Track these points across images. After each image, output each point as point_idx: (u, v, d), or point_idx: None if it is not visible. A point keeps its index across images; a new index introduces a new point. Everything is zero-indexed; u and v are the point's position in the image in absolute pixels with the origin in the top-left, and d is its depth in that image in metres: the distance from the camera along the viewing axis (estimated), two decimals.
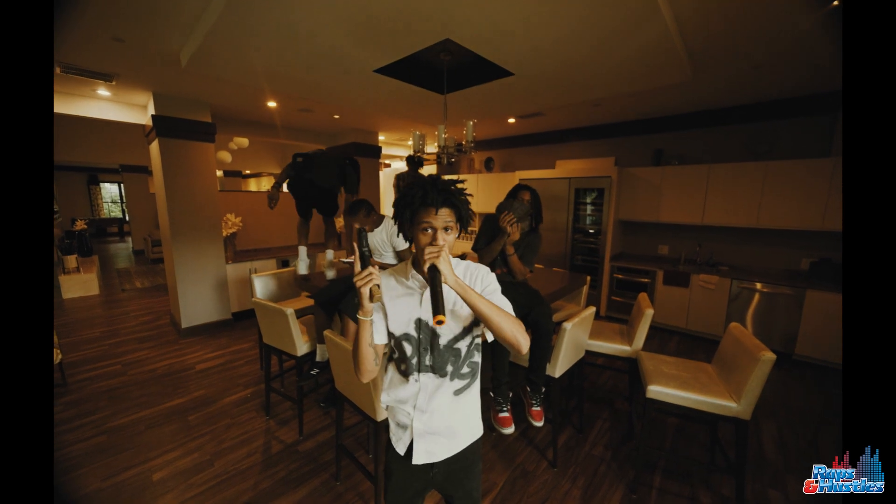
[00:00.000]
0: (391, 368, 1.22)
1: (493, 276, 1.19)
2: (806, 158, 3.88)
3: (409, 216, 1.07)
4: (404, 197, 1.08)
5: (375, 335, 1.14)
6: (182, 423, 2.83)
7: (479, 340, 1.20)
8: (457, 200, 1.06)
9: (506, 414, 2.25)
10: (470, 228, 7.10)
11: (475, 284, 1.15)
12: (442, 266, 0.99)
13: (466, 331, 1.14)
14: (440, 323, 0.95)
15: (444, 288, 1.01)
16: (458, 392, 1.16)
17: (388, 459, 1.25)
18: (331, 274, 3.26)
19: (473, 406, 1.22)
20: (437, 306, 0.97)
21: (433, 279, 0.99)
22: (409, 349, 1.14)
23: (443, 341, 1.12)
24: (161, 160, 4.08)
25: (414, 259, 1.16)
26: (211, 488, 2.19)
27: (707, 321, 4.41)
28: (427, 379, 1.14)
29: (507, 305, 1.13)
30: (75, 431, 2.70)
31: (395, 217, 1.11)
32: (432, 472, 1.19)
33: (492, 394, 2.33)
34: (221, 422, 2.84)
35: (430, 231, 1.05)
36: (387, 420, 1.28)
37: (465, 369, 1.16)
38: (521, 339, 1.05)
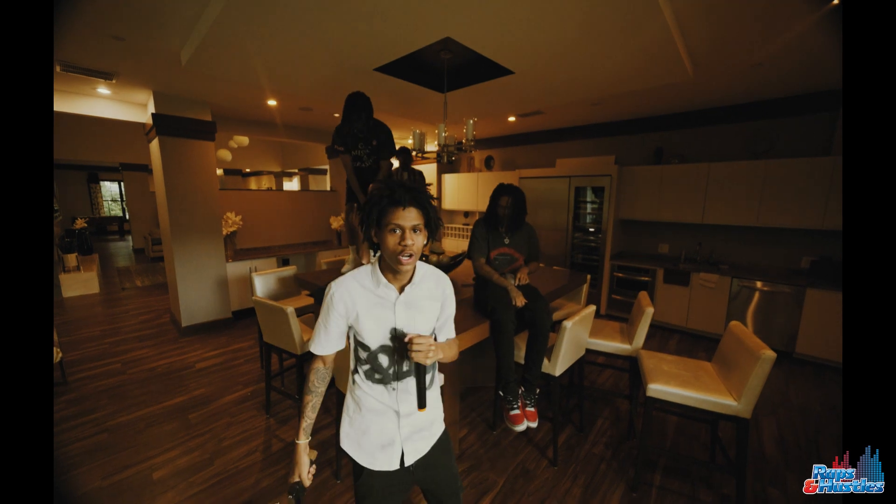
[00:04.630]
0: (363, 386, 1.16)
1: (453, 295, 1.24)
2: (806, 157, 3.87)
3: (377, 217, 1.05)
4: (371, 198, 1.06)
5: (331, 347, 1.16)
6: (182, 421, 2.83)
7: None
8: (424, 201, 1.05)
9: (517, 412, 2.25)
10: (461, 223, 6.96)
11: (445, 302, 1.22)
12: (429, 363, 1.06)
13: (430, 332, 1.20)
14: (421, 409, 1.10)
15: (418, 305, 1.14)
16: (429, 385, 1.17)
17: (363, 484, 1.17)
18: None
19: (438, 390, 1.27)
20: (422, 400, 1.09)
21: (419, 374, 1.08)
22: (385, 361, 1.12)
23: None
24: (161, 158, 4.07)
25: (381, 261, 1.13)
26: (211, 486, 2.20)
27: (707, 319, 4.41)
28: (404, 385, 1.14)
29: (453, 331, 1.30)
30: (75, 430, 2.70)
31: (362, 222, 1.09)
32: (413, 468, 1.18)
33: (501, 393, 2.32)
34: (221, 420, 2.84)
35: (398, 232, 1.02)
36: None
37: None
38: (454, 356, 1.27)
